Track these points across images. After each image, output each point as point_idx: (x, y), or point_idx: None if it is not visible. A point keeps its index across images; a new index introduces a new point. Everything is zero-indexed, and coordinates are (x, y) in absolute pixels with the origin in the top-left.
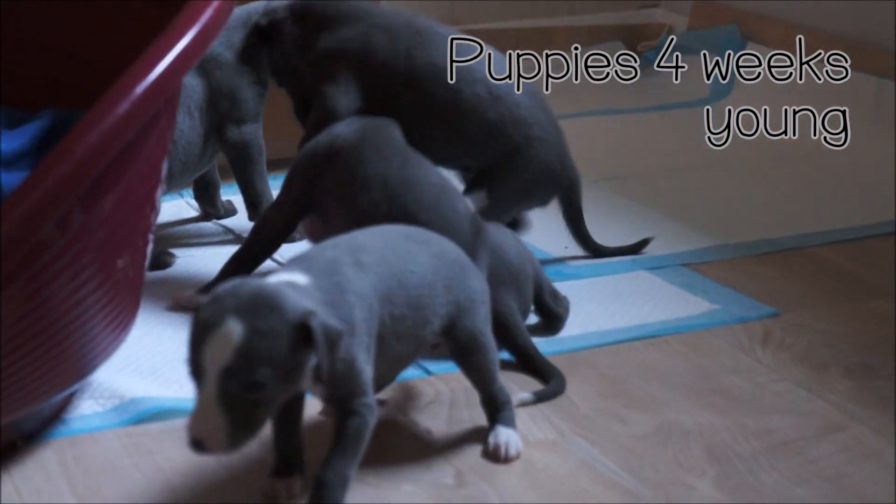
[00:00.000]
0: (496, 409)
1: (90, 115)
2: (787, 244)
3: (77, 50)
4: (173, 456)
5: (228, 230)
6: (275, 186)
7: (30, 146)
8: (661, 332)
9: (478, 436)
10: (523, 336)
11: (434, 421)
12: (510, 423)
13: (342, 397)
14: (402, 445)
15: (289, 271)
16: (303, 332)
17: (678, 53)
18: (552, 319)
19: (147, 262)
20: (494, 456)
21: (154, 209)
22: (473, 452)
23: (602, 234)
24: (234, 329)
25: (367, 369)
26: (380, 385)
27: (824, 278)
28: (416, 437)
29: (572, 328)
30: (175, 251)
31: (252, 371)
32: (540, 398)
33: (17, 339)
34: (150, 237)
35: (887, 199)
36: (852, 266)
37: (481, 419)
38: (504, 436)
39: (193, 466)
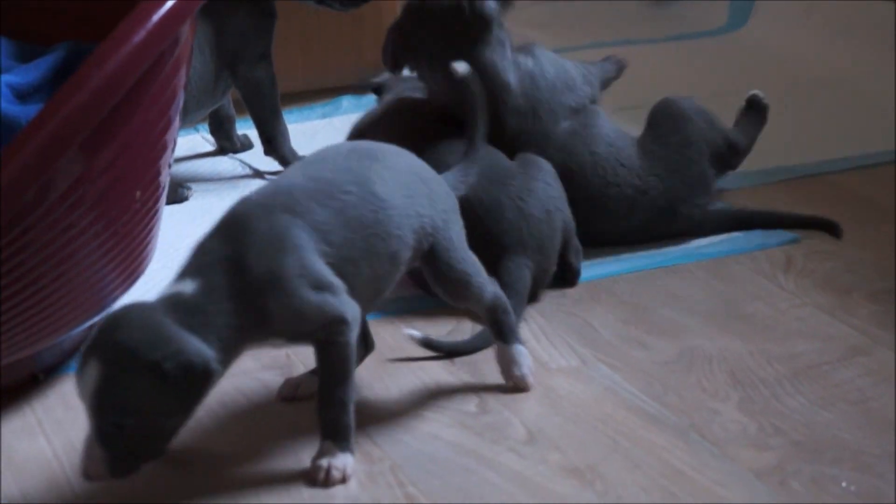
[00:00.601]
0: (496, 322)
1: (105, 45)
2: (807, 171)
3: None
4: None
5: (245, 164)
6: (289, 120)
7: (45, 79)
8: (681, 260)
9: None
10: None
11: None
12: (512, 335)
13: (305, 339)
14: (425, 373)
15: (178, 279)
16: (159, 373)
17: None
18: (570, 273)
19: (164, 196)
20: (519, 385)
21: (171, 141)
22: (496, 379)
23: None
24: (93, 373)
25: (316, 299)
26: (368, 306)
27: (845, 204)
28: (438, 365)
29: (593, 256)
30: (192, 185)
31: (114, 414)
32: (430, 345)
33: (35, 270)
34: (168, 171)
35: None
36: (873, 192)
37: None
38: (517, 357)
39: (216, 396)
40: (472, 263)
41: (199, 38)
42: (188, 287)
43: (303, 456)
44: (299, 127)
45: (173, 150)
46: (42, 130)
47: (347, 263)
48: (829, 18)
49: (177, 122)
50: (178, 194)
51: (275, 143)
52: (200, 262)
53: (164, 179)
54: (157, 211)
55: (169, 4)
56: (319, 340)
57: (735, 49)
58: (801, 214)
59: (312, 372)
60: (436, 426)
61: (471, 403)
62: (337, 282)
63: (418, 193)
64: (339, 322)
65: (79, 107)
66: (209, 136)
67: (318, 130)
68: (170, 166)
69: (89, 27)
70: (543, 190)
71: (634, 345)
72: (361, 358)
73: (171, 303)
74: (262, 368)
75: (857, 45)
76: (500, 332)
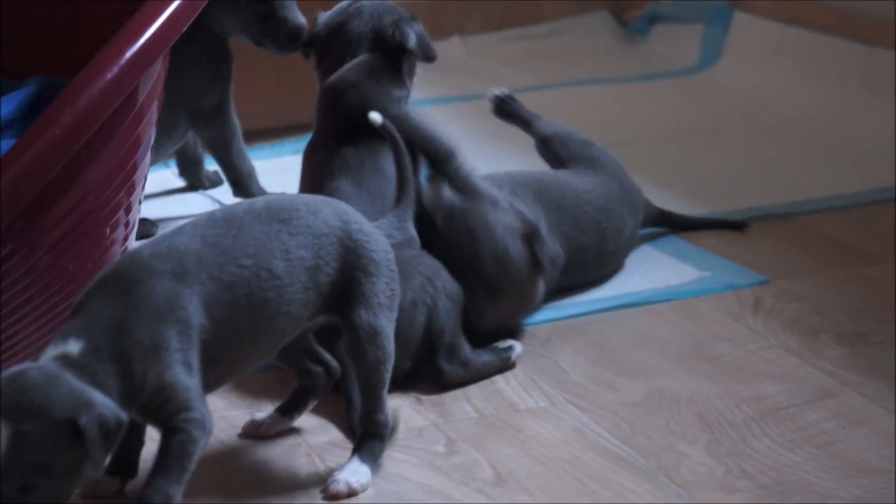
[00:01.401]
0: (366, 433)
1: (77, 81)
2: (777, 211)
3: (65, 18)
4: None
5: (215, 200)
6: (261, 156)
7: (17, 114)
8: (651, 300)
9: (469, 403)
10: None
11: (424, 385)
12: (369, 457)
13: (161, 418)
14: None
15: (63, 338)
16: (74, 429)
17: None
18: (435, 376)
19: (134, 232)
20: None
21: (141, 178)
22: (464, 420)
23: None
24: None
25: (187, 382)
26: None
27: (814, 245)
28: (407, 404)
29: (562, 296)
30: (161, 221)
31: (24, 475)
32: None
33: (6, 305)
34: (138, 207)
35: (875, 166)
36: (841, 233)
37: (472, 387)
38: (348, 474)
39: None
40: (384, 329)
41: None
42: (74, 347)
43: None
44: (271, 163)
45: (143, 187)
46: (15, 165)
47: (226, 342)
48: (799, 57)
49: (147, 159)
50: (145, 229)
51: (241, 185)
52: (86, 320)
53: (135, 216)
54: (126, 248)
55: (141, 41)
56: (172, 428)
57: (706, 88)
58: (711, 218)
59: (278, 410)
60: (404, 466)
61: (439, 444)
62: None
63: (327, 256)
64: (198, 422)
65: (51, 142)
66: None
67: (290, 166)
68: (140, 203)
69: (62, 62)
70: (420, 282)
71: (603, 386)
72: (327, 384)
73: (63, 362)
74: (230, 406)
75: (827, 84)
76: (359, 443)
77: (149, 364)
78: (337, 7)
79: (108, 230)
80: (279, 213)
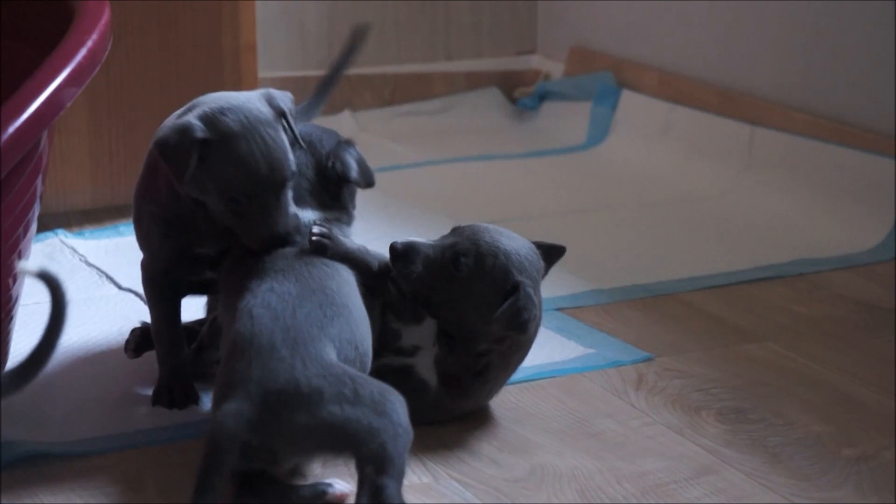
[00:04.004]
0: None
1: None
2: (660, 289)
3: None
4: (46, 502)
5: (103, 273)
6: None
7: None
8: (535, 377)
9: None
10: None
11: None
12: None
13: None
14: None
15: None
16: None
17: (554, 100)
18: None
19: (18, 302)
20: None
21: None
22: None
23: None
24: None
25: None
26: None
27: (696, 323)
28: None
29: None
30: None
31: None
32: None
33: None
34: (23, 278)
35: (758, 245)
36: (724, 311)
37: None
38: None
39: None
40: None
41: None
42: None
43: None
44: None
45: (28, 256)
46: None
47: None
48: (685, 136)
49: (34, 228)
50: None
51: None
52: None
53: (20, 286)
54: (11, 317)
55: (33, 107)
56: None
57: (594, 166)
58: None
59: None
60: None
61: None
62: None
63: None
64: None
65: None
66: (67, 241)
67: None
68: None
69: None
70: None
71: (486, 461)
72: None
73: None
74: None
75: (712, 163)
76: None
77: None
78: None
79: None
80: None
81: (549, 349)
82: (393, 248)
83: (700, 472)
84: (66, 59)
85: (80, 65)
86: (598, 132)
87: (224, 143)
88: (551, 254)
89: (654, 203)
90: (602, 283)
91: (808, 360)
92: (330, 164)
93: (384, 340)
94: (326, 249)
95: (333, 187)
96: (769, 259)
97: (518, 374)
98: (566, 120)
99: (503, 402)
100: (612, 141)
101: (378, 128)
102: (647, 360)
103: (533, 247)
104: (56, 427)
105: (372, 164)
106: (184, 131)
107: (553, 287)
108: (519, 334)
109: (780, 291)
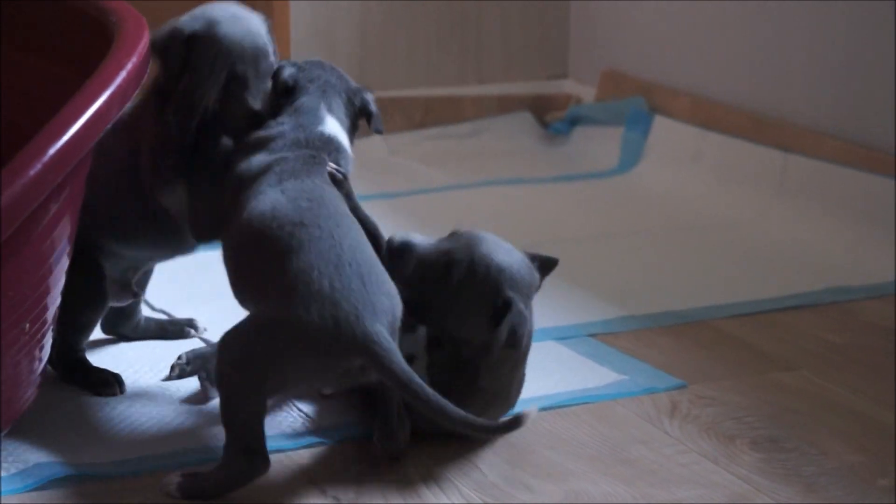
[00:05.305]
0: None
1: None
2: (691, 316)
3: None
4: None
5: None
6: None
7: None
8: (568, 403)
9: (385, 502)
10: None
11: (339, 482)
12: None
13: None
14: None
15: None
16: None
17: (586, 124)
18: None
19: (52, 329)
20: None
21: (59, 275)
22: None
23: None
24: None
25: None
26: None
27: (728, 350)
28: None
29: None
30: None
31: None
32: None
33: None
34: (56, 306)
35: (790, 272)
36: (756, 339)
37: (389, 483)
38: None
39: None
40: None
41: None
42: None
43: None
44: None
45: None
46: None
47: None
48: (716, 162)
49: (67, 258)
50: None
51: None
52: None
53: (52, 314)
54: (44, 345)
55: (65, 139)
56: None
57: (625, 191)
58: None
59: None
60: None
61: None
62: None
63: None
64: None
65: None
66: None
67: None
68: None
69: None
70: None
71: (520, 487)
72: None
73: None
74: None
75: (743, 189)
76: None
77: None
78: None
79: (27, 325)
80: None
81: (582, 375)
82: (390, 242)
83: (734, 500)
84: (106, 82)
85: (120, 87)
86: (630, 157)
87: (208, 29)
88: (545, 266)
89: (686, 229)
90: (634, 309)
91: (841, 389)
92: (356, 95)
93: None
94: (342, 185)
95: (353, 116)
96: (800, 287)
97: (551, 400)
98: (598, 144)
99: (536, 427)
100: (643, 166)
101: (408, 151)
102: (681, 387)
103: (527, 261)
104: (90, 449)
105: (402, 187)
106: (173, 29)
107: (584, 313)
108: (514, 350)
109: (812, 319)
